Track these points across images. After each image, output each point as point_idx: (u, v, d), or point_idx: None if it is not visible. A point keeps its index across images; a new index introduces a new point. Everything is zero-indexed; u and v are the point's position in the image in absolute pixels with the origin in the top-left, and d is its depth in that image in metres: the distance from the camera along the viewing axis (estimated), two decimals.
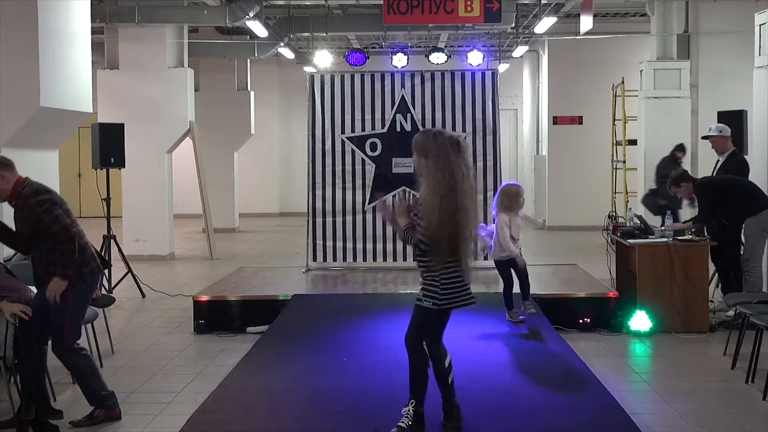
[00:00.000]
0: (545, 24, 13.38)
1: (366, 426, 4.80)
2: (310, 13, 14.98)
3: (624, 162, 13.80)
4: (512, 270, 7.47)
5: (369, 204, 10.03)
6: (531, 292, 7.52)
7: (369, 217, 10.09)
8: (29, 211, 5.20)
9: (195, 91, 14.40)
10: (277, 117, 22.05)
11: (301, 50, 17.80)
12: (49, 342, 5.38)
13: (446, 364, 4.76)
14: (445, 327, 4.78)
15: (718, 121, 9.50)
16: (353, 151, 10.18)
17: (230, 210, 18.06)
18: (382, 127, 10.16)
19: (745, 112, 9.79)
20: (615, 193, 14.22)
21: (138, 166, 12.92)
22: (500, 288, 7.62)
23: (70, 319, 5.30)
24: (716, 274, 8.64)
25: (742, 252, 8.39)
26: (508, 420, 4.99)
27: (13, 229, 5.45)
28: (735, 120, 9.57)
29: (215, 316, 8.13)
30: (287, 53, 16.93)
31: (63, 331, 5.29)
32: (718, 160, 9.07)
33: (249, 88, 18.85)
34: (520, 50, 17.27)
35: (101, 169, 10.38)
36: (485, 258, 8.42)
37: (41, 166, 8.12)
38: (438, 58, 12.42)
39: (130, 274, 10.31)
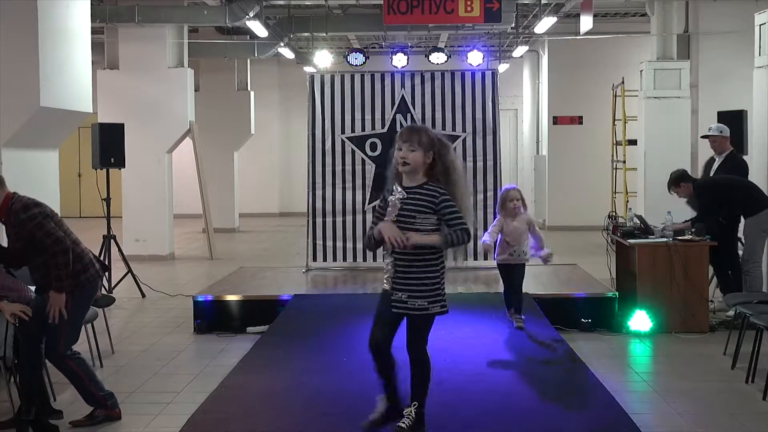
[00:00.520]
0: (545, 24, 13.38)
1: None
2: (310, 13, 14.97)
3: (624, 162, 13.79)
4: (510, 278, 7.24)
5: (369, 204, 10.03)
6: (531, 292, 7.50)
7: (369, 217, 10.09)
8: (21, 226, 5.17)
9: (195, 91, 14.40)
10: (277, 117, 22.05)
11: (301, 50, 17.80)
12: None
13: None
14: None
15: (718, 121, 9.50)
16: (353, 151, 10.18)
17: (230, 210, 18.05)
18: (382, 127, 10.16)
19: (745, 112, 9.79)
20: (615, 193, 14.21)
21: (138, 166, 12.91)
22: (500, 288, 7.60)
23: (67, 327, 5.28)
24: (716, 274, 8.64)
25: (741, 252, 8.40)
26: (508, 420, 4.99)
27: (4, 245, 5.44)
28: (735, 120, 9.57)
29: (215, 316, 8.14)
30: (287, 53, 16.93)
31: (58, 338, 5.26)
32: (715, 160, 9.08)
33: (249, 88, 18.85)
34: (520, 50, 17.27)
35: (101, 169, 10.38)
36: (485, 258, 8.43)
37: (41, 166, 8.14)
38: (438, 58, 12.42)
39: (130, 274, 10.30)
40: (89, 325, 6.58)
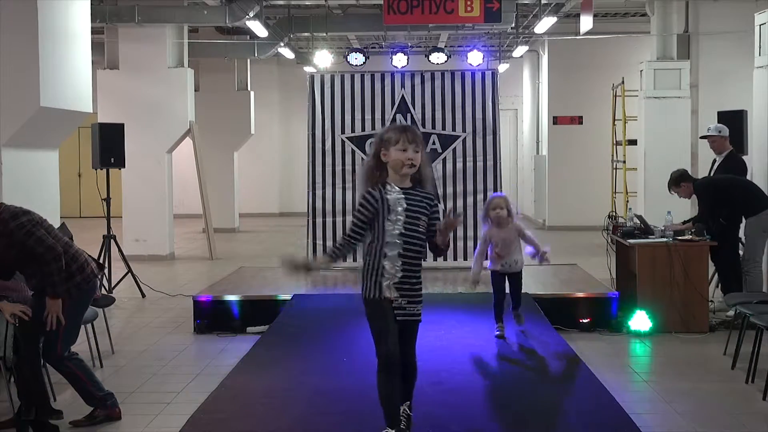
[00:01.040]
0: (545, 24, 13.38)
1: (366, 426, 4.79)
2: (310, 13, 14.97)
3: (624, 162, 13.79)
4: (507, 281, 6.95)
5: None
6: (531, 292, 7.47)
7: None
8: (10, 236, 5.14)
9: (195, 91, 14.39)
10: (277, 117, 22.04)
11: (301, 50, 17.80)
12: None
13: None
14: None
15: (718, 121, 9.50)
16: (353, 151, 10.18)
17: (230, 210, 18.05)
18: (382, 127, 10.14)
19: (745, 112, 9.79)
20: (615, 193, 14.21)
21: (138, 166, 12.91)
22: None
23: (65, 329, 5.27)
24: (716, 274, 8.64)
25: (741, 252, 8.40)
26: (508, 420, 4.99)
27: None
28: (735, 120, 9.57)
29: (215, 316, 8.13)
30: (287, 53, 16.93)
31: (55, 340, 5.25)
32: (715, 160, 9.08)
33: (249, 88, 18.84)
34: (520, 50, 17.25)
35: (101, 169, 10.38)
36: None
37: (41, 166, 8.13)
38: (438, 58, 12.44)
39: (130, 274, 10.30)
40: (89, 325, 6.58)
